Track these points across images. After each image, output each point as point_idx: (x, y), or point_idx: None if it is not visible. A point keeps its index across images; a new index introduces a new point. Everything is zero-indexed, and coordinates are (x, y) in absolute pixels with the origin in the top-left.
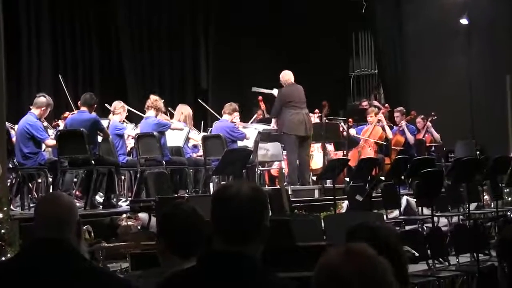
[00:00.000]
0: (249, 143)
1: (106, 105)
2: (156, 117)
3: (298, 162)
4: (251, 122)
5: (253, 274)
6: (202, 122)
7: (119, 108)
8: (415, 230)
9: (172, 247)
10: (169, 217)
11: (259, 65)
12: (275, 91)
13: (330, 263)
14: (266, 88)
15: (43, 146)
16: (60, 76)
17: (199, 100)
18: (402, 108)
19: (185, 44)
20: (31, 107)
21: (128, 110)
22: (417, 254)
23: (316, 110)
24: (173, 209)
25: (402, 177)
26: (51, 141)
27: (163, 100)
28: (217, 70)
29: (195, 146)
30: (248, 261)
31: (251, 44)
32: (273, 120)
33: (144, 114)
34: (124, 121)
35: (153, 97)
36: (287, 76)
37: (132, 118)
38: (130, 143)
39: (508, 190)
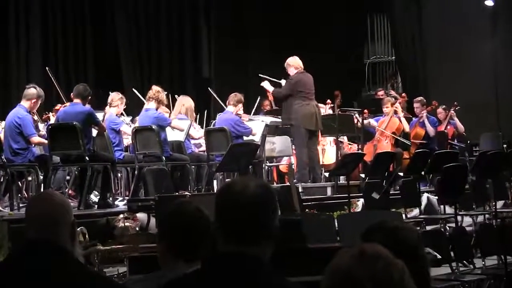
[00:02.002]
0: (255, 137)
1: (101, 90)
2: (156, 110)
3: (308, 157)
4: (253, 114)
5: (260, 278)
6: (206, 112)
7: (117, 100)
8: (437, 230)
9: (174, 249)
10: (171, 217)
11: (265, 52)
12: (283, 82)
13: (342, 266)
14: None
15: None
16: (48, 69)
17: (208, 88)
18: (422, 98)
19: (185, 30)
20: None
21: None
22: (439, 257)
23: (328, 101)
24: (176, 208)
25: (423, 172)
26: (38, 138)
27: (165, 93)
28: (220, 57)
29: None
30: (255, 264)
31: (257, 30)
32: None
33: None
34: (122, 113)
35: (155, 88)
36: (297, 62)
37: (129, 110)
38: (127, 139)
39: None
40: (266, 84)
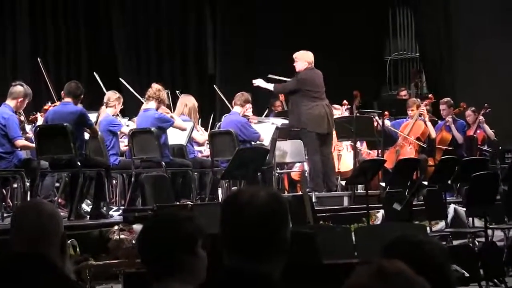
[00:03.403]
0: (264, 141)
1: (95, 74)
2: (157, 110)
3: (321, 163)
4: (265, 115)
5: None
6: (212, 114)
7: (114, 100)
8: (465, 245)
9: (153, 273)
10: (145, 233)
11: (276, 46)
12: None
13: (360, 285)
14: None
15: None
16: (39, 60)
17: (214, 86)
18: (448, 99)
19: (189, 21)
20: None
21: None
22: (467, 275)
23: (345, 102)
24: (152, 222)
25: (449, 181)
26: (23, 142)
27: (167, 91)
28: (226, 52)
29: (200, 147)
30: (264, 282)
31: (267, 23)
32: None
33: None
34: (117, 114)
35: (155, 86)
36: (309, 57)
37: (126, 110)
38: (123, 142)
39: None
40: (260, 82)
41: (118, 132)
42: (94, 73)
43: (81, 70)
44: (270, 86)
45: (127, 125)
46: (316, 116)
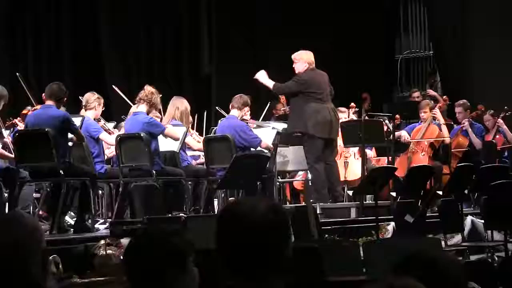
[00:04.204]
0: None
1: (80, 98)
2: (148, 114)
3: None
4: (262, 119)
5: None
6: (205, 119)
7: (93, 101)
8: (484, 260)
9: None
10: (131, 249)
11: (278, 44)
12: None
13: None
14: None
15: None
16: (18, 75)
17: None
18: (465, 101)
19: (182, 17)
20: None
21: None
22: None
23: (352, 104)
24: (139, 236)
25: (466, 191)
26: None
27: (160, 95)
28: (223, 50)
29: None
30: None
31: (268, 18)
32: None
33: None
34: (99, 119)
35: (148, 89)
36: (309, 57)
37: (114, 113)
38: (108, 149)
39: None
40: (261, 76)
41: (101, 138)
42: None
43: (64, 71)
44: (271, 84)
45: (109, 131)
46: (320, 120)
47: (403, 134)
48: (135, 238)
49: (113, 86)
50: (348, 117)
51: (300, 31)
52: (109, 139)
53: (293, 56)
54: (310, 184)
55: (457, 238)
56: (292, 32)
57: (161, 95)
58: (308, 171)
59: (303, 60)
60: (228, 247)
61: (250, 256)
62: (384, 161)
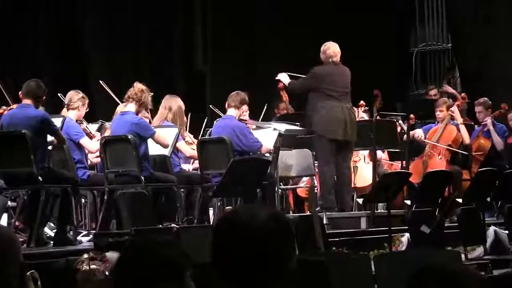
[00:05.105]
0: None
1: (59, 95)
2: (137, 114)
3: (336, 178)
4: (261, 119)
5: None
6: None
7: (76, 101)
8: (508, 275)
9: None
10: (122, 263)
11: (277, 39)
12: None
13: None
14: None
15: None
16: None
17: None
18: (485, 99)
19: (174, 11)
20: None
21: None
22: None
23: (362, 102)
24: (131, 249)
25: (488, 198)
26: None
27: (152, 94)
28: (219, 44)
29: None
30: None
31: (267, 8)
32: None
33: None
34: (80, 121)
35: (138, 86)
36: (332, 49)
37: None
38: (95, 153)
39: None
40: (283, 77)
41: (81, 143)
42: None
43: (40, 67)
44: (287, 82)
45: (91, 134)
46: (331, 119)
47: (418, 132)
48: (125, 251)
49: (101, 82)
50: (358, 117)
51: (303, 19)
52: (90, 145)
53: (321, 50)
54: (315, 191)
55: (479, 250)
56: (292, 31)
57: (152, 94)
58: (316, 176)
59: (325, 54)
60: (225, 260)
61: (250, 270)
62: (397, 166)
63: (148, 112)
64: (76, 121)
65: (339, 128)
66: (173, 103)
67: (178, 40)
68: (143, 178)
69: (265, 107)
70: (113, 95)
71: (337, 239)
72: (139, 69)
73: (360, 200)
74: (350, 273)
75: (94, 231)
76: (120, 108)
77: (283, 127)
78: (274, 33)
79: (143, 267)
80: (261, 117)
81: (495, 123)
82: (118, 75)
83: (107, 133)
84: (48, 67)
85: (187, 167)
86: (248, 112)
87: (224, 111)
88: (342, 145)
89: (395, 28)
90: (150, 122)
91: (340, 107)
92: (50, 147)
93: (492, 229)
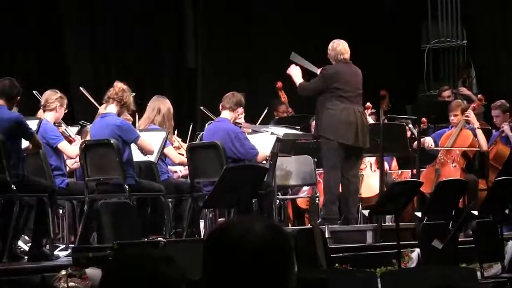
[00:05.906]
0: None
1: (35, 92)
2: (119, 116)
3: (341, 187)
4: (259, 122)
5: None
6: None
7: (54, 101)
8: None
9: None
10: (108, 280)
11: (275, 35)
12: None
13: None
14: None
15: None
16: None
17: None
18: (503, 102)
19: (164, 5)
20: None
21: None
22: None
23: (368, 104)
24: (118, 264)
25: (507, 210)
26: None
27: (134, 94)
28: (211, 42)
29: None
30: None
31: (263, 4)
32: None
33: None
34: (59, 124)
35: (119, 86)
36: (342, 46)
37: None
38: (72, 160)
39: None
40: (295, 72)
41: (59, 148)
42: None
43: (15, 69)
44: (298, 82)
45: (71, 138)
46: (341, 122)
47: (428, 140)
48: (112, 266)
49: (81, 88)
50: None
51: (303, 13)
52: (69, 150)
53: (329, 48)
54: (317, 202)
55: (496, 268)
56: (293, 28)
57: (134, 94)
58: (318, 185)
59: (334, 50)
60: (217, 277)
61: (245, 287)
62: (407, 174)
63: (130, 116)
64: (54, 123)
65: (350, 132)
66: (162, 105)
67: (166, 34)
68: (127, 186)
69: (265, 110)
70: (93, 101)
71: (341, 254)
72: (126, 69)
73: (366, 212)
74: None
75: (73, 245)
76: (101, 110)
77: (281, 131)
78: (274, 26)
79: (132, 284)
80: (259, 120)
81: None
82: (100, 74)
83: (88, 138)
84: (24, 64)
85: (178, 168)
86: (243, 115)
87: (217, 114)
88: (351, 151)
89: (406, 23)
90: (134, 125)
91: (352, 109)
92: (25, 154)
93: (510, 244)
